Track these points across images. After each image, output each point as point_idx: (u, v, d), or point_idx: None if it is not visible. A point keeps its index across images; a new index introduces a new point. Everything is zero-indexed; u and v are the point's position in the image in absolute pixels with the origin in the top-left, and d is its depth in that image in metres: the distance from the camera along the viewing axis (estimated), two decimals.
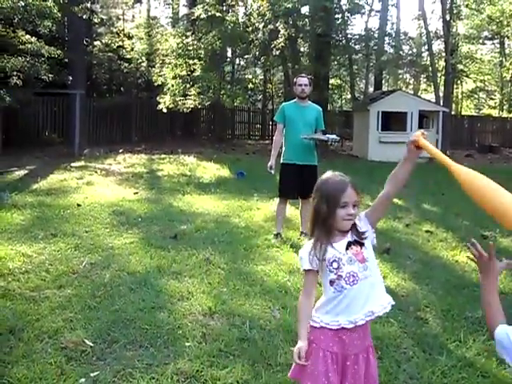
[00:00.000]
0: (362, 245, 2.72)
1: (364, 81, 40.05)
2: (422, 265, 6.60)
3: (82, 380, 3.66)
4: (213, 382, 3.65)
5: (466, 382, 3.76)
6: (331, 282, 2.67)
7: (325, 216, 2.69)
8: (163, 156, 19.75)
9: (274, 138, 7.92)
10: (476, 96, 46.56)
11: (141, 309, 4.88)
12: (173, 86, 23.80)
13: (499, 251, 7.32)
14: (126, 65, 27.29)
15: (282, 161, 7.64)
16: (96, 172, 14.56)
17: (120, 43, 28.16)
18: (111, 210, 9.16)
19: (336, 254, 2.66)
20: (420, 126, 23.07)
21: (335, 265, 2.65)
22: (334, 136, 8.06)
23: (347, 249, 2.68)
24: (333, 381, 2.63)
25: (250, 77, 29.54)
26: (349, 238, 2.71)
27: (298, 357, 2.59)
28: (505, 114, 40.55)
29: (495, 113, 43.26)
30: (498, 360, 4.07)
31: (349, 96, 35.20)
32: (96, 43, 27.73)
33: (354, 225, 2.73)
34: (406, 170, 2.76)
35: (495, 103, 45.49)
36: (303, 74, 7.97)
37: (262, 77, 33.48)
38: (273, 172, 7.76)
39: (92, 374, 3.73)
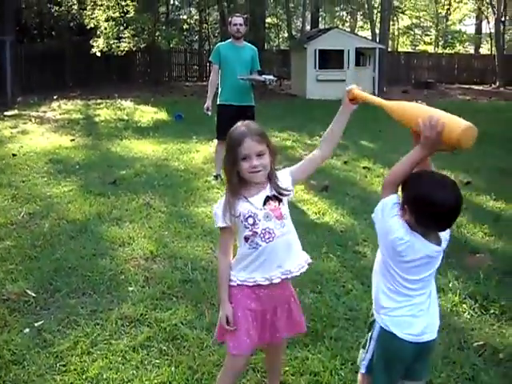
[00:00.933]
0: (280, 201, 2.59)
1: (301, 19, 39.75)
2: (359, 200, 6.74)
3: (27, 330, 3.66)
4: (157, 324, 3.69)
5: None
6: (246, 239, 2.56)
7: (230, 170, 2.59)
8: (99, 101, 19.30)
9: (210, 78, 7.82)
10: (412, 32, 46.93)
11: (82, 256, 4.86)
12: (106, 28, 23.09)
13: None
14: (57, 8, 26.20)
15: (218, 102, 7.57)
16: (30, 120, 14.15)
17: None
18: (48, 159, 8.97)
19: (252, 210, 2.53)
20: (357, 64, 23.22)
21: (250, 220, 2.52)
22: (270, 76, 8.00)
23: (265, 204, 2.55)
24: (254, 338, 2.62)
25: (185, 17, 28.95)
26: (267, 191, 2.58)
27: (227, 323, 2.59)
28: (440, 50, 41.10)
29: (431, 49, 43.79)
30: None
31: (286, 35, 34.98)
32: None
33: (275, 178, 2.60)
34: (342, 125, 2.71)
35: (431, 39, 46.01)
36: (238, 14, 7.89)
37: (198, 17, 32.83)
38: (209, 113, 7.69)
39: (36, 324, 3.73)
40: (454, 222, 2.29)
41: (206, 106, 7.65)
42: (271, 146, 2.60)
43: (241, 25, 7.41)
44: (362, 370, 2.57)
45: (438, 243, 2.31)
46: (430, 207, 2.19)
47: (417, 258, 2.28)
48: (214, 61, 7.58)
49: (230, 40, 7.60)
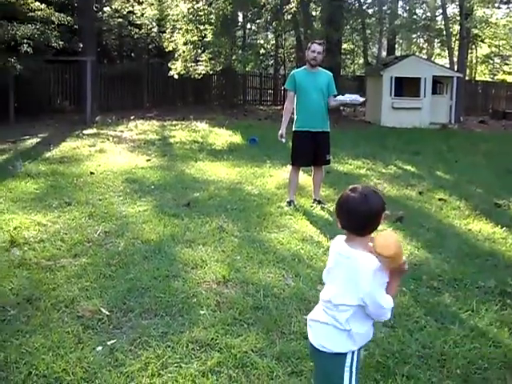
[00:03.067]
0: None
1: (377, 45, 39.48)
2: (435, 233, 6.58)
3: (99, 348, 3.71)
4: (227, 350, 3.69)
5: (478, 352, 3.76)
6: None
7: None
8: (175, 122, 19.66)
9: (284, 105, 7.84)
10: (491, 61, 45.90)
11: (155, 277, 4.92)
12: (184, 51, 23.55)
13: None
14: (137, 30, 26.96)
15: (294, 128, 7.58)
16: (108, 139, 14.55)
17: (130, 8, 27.78)
18: (124, 178, 9.19)
19: None
20: (433, 92, 22.86)
21: None
22: (357, 98, 7.78)
23: None
24: None
25: (262, 42, 29.20)
26: None
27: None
28: None
29: (510, 78, 42.73)
30: (510, 330, 4.09)
31: (362, 61, 34.85)
32: (106, 9, 27.40)
33: None
34: None
35: (510, 68, 44.89)
36: (319, 41, 7.72)
37: (274, 42, 33.10)
38: (283, 140, 7.69)
39: (109, 343, 3.78)
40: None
41: (280, 133, 7.64)
42: None
43: (319, 53, 7.37)
44: None
45: None
46: None
47: None
48: (290, 88, 7.60)
49: (305, 66, 7.61)
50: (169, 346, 3.75)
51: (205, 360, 3.59)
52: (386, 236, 2.49)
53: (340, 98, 7.58)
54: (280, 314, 4.22)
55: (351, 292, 2.48)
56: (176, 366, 3.51)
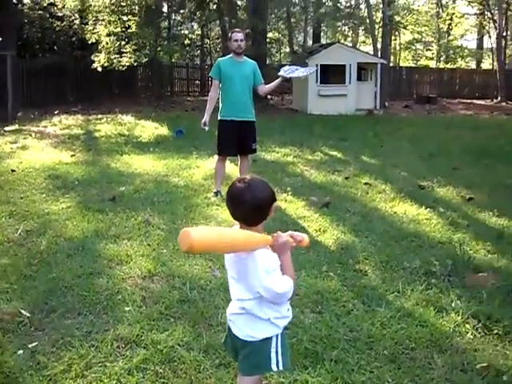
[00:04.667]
0: None
1: (302, 34, 39.79)
2: (361, 217, 6.67)
3: (20, 352, 3.57)
4: (153, 346, 3.61)
5: (405, 332, 3.81)
6: None
7: None
8: (100, 116, 19.27)
9: (209, 94, 7.77)
10: (413, 47, 47.03)
11: (79, 275, 4.78)
12: (107, 43, 23.11)
13: (436, 200, 7.49)
14: (59, 23, 26.22)
15: (219, 117, 7.52)
16: (31, 135, 14.09)
17: (51, 0, 27.06)
18: (47, 175, 8.92)
19: None
20: (358, 79, 23.21)
21: None
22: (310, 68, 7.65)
23: None
24: None
25: (187, 32, 28.98)
26: None
27: None
28: (442, 65, 41.17)
29: (432, 64, 43.86)
30: (435, 309, 4.17)
31: (287, 50, 35.02)
32: (25, 1, 26.59)
33: None
34: None
35: (432, 54, 46.09)
36: (238, 29, 7.79)
37: (200, 32, 32.90)
38: (207, 128, 7.63)
39: (30, 345, 3.64)
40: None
41: (203, 120, 7.59)
42: None
43: (241, 40, 7.35)
44: None
45: None
46: None
47: None
48: (214, 76, 7.53)
49: (230, 55, 7.55)
50: (93, 346, 3.64)
51: (130, 357, 3.50)
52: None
53: (289, 72, 7.40)
54: (207, 306, 4.16)
55: (247, 286, 2.50)
56: (100, 366, 3.41)
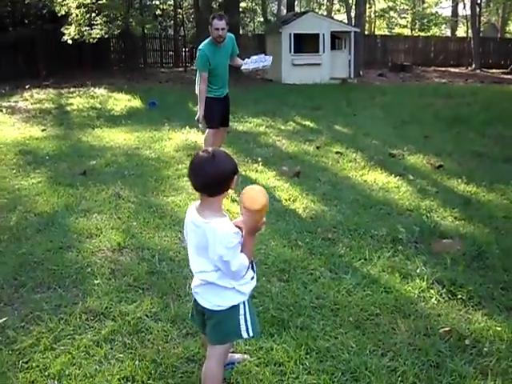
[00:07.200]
0: None
1: (276, 2, 39.45)
2: (331, 186, 6.72)
3: None
4: (122, 317, 3.65)
5: (370, 299, 3.89)
6: None
7: None
8: (72, 90, 19.03)
9: (199, 87, 7.19)
10: (388, 15, 46.89)
11: (48, 250, 4.78)
12: (77, 15, 22.67)
13: (406, 168, 7.57)
14: None
15: (208, 95, 7.18)
16: (1, 111, 13.90)
17: None
18: (17, 150, 8.84)
19: None
20: (332, 47, 23.14)
21: None
22: (268, 57, 7.59)
23: None
24: None
25: (159, 3, 28.56)
26: None
27: None
28: (416, 33, 41.17)
29: (407, 32, 43.82)
30: (401, 275, 4.25)
31: (261, 19, 34.73)
32: None
33: None
34: None
35: (407, 22, 46.04)
36: (220, 15, 7.11)
37: (172, 2, 32.43)
38: (201, 126, 7.47)
39: None
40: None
41: (197, 117, 7.23)
42: None
43: (223, 29, 6.90)
44: None
45: None
46: None
47: None
48: (204, 69, 7.06)
49: (210, 40, 7.07)
50: (62, 319, 3.67)
51: (98, 329, 3.53)
52: (253, 190, 2.51)
53: (250, 64, 7.31)
54: (175, 278, 4.20)
55: (206, 258, 2.54)
56: (69, 338, 3.44)
